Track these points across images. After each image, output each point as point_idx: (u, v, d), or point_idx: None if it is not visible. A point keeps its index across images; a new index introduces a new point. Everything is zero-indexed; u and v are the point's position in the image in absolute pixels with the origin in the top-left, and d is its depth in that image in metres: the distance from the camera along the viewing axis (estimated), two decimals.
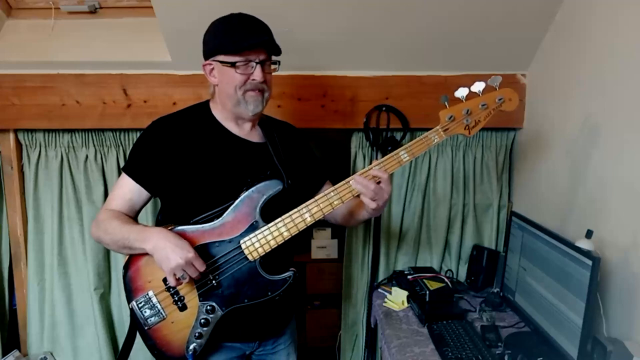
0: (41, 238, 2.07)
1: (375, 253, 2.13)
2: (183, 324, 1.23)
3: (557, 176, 1.75)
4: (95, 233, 1.26)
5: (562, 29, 1.71)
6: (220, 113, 1.31)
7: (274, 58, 1.27)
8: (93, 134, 2.00)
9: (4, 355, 2.09)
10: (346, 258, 2.20)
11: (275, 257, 1.23)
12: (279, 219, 1.20)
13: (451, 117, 1.22)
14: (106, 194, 2.04)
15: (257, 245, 1.20)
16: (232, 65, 1.20)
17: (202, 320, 1.22)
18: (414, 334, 1.63)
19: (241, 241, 1.20)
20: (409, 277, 1.96)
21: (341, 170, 2.27)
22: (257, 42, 1.20)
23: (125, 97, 1.95)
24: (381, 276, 2.16)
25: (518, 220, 1.68)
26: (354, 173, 2.12)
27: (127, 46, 1.88)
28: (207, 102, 1.35)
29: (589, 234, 1.35)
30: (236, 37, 1.19)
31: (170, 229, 1.20)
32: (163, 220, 1.33)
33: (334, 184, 1.23)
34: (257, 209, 1.20)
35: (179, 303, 1.22)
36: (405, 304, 1.84)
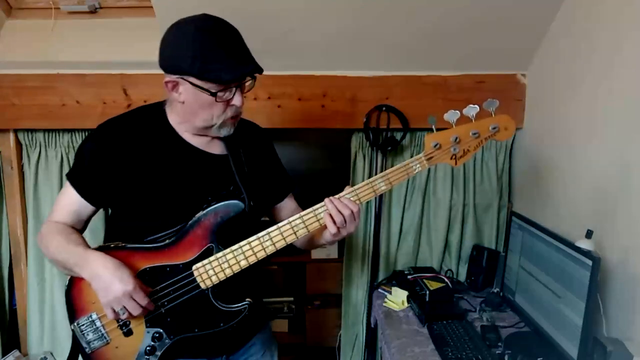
0: None
1: (375, 253, 2.13)
2: (127, 349, 1.12)
3: (557, 176, 1.75)
4: (41, 248, 1.15)
5: (562, 29, 1.71)
6: (177, 122, 1.15)
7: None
8: None
9: (4, 355, 2.09)
10: (346, 258, 2.20)
11: (232, 284, 1.12)
12: (237, 246, 1.09)
13: (437, 144, 1.09)
14: None
15: (210, 272, 1.09)
16: (212, 94, 1.04)
17: (148, 348, 1.11)
18: (414, 334, 1.63)
19: (193, 267, 1.09)
20: (409, 277, 1.96)
21: (341, 170, 2.27)
22: (246, 72, 1.05)
23: (125, 97, 1.94)
24: (381, 276, 2.16)
25: (518, 220, 1.68)
26: (353, 174, 2.14)
27: (127, 46, 1.87)
28: (161, 105, 1.18)
29: (589, 234, 1.35)
30: (222, 65, 1.02)
31: (120, 247, 1.10)
32: (112, 230, 1.21)
33: (295, 197, 1.12)
34: (213, 232, 1.09)
35: (124, 328, 1.11)
36: (405, 304, 1.84)
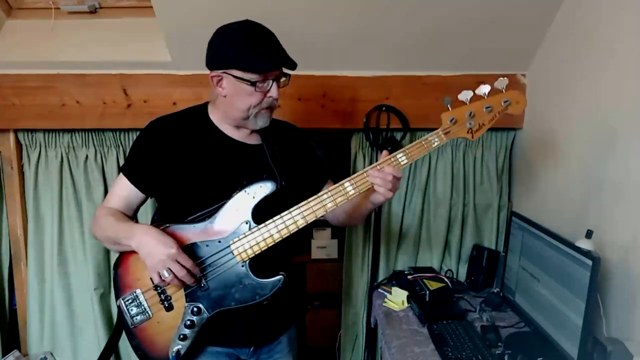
0: (41, 238, 2.07)
1: (375, 253, 2.13)
2: (168, 324, 1.21)
3: (557, 176, 1.75)
4: (93, 229, 1.30)
5: (562, 29, 1.71)
6: (218, 117, 1.30)
7: (285, 71, 1.25)
8: (93, 134, 2.00)
9: (4, 355, 2.09)
10: (346, 258, 2.20)
11: (267, 260, 1.21)
12: (270, 221, 1.18)
13: (453, 119, 1.17)
14: (106, 194, 2.03)
15: (246, 246, 1.18)
16: (252, 84, 1.17)
17: (188, 322, 1.19)
18: (414, 334, 1.63)
19: (231, 242, 1.18)
20: (409, 277, 1.96)
21: (341, 170, 2.27)
22: (281, 63, 1.19)
23: (125, 97, 1.95)
24: (381, 276, 2.15)
25: (518, 220, 1.68)
26: (354, 174, 2.14)
27: (127, 46, 1.88)
28: (205, 105, 1.34)
29: (589, 234, 1.35)
30: (260, 57, 1.16)
31: (163, 228, 1.19)
32: (159, 220, 1.31)
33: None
34: (249, 210, 1.18)
35: (165, 303, 1.21)
36: (405, 304, 1.84)
